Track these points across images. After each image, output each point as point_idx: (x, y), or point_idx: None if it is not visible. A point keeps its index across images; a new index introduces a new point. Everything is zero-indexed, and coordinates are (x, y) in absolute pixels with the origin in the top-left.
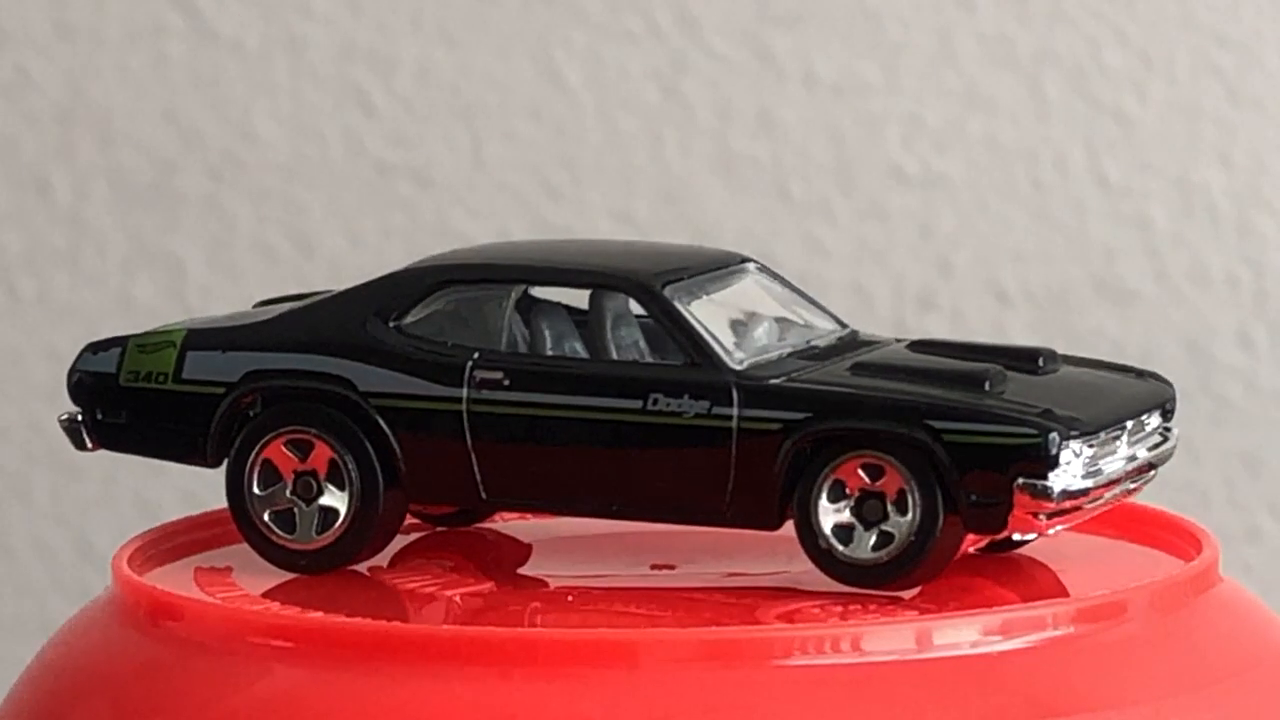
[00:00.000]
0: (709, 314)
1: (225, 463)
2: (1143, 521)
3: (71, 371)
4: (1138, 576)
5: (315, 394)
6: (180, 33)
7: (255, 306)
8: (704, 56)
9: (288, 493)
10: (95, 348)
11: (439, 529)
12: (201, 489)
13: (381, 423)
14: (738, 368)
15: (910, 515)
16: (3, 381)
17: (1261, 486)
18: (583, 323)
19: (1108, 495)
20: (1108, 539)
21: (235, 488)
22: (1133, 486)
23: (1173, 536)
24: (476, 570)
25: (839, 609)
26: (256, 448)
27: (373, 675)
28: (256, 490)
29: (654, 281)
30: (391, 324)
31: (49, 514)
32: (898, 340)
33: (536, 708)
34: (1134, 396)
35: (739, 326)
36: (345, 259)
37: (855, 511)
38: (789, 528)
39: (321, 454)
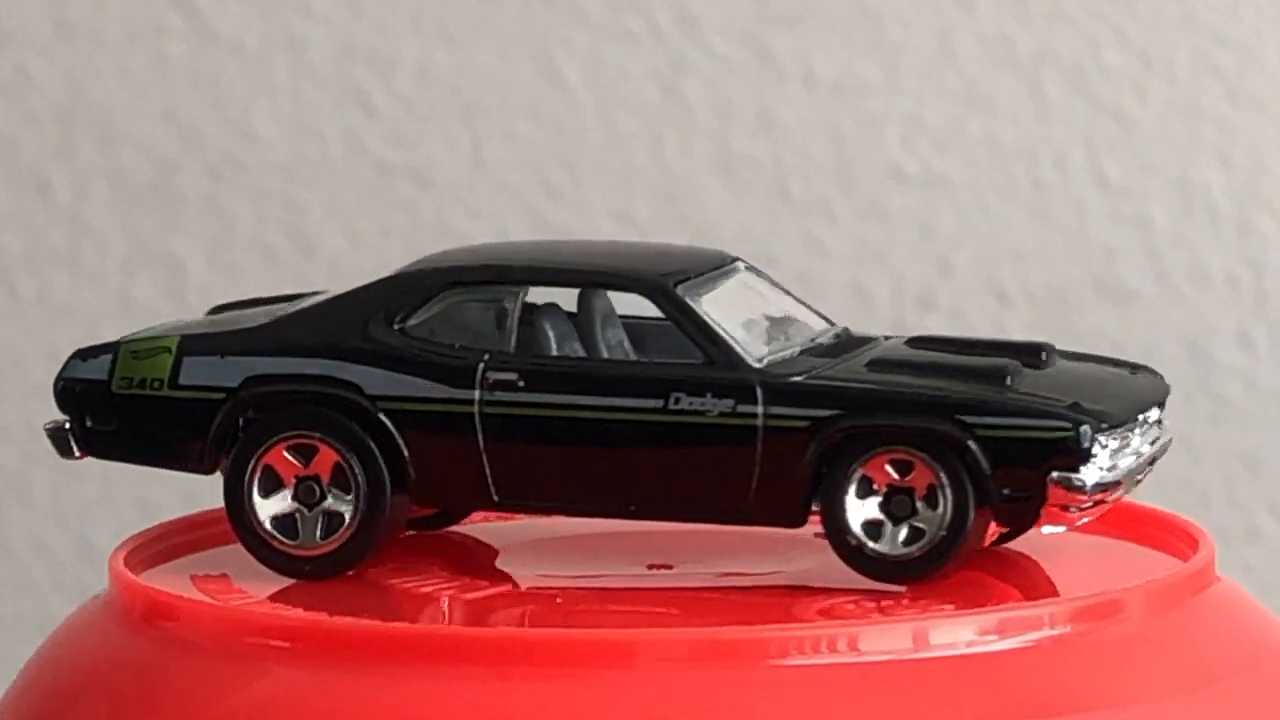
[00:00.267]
0: (720, 313)
1: (223, 469)
2: (1139, 521)
3: (59, 379)
4: (1134, 576)
5: (320, 398)
6: (180, 33)
7: (209, 313)
8: (704, 56)
9: (290, 498)
10: (84, 354)
11: (409, 532)
12: (201, 489)
13: (390, 426)
14: (759, 366)
15: (940, 510)
16: (3, 381)
17: (1261, 486)
18: (573, 323)
19: (1125, 488)
20: (1104, 538)
21: (234, 493)
22: (1139, 479)
23: (1169, 536)
24: (474, 570)
25: (836, 609)
26: (257, 453)
27: (371, 676)
28: (257, 496)
29: (667, 281)
30: (396, 326)
31: (49, 514)
32: (887, 337)
33: (535, 708)
34: (1141, 390)
35: (748, 325)
36: (345, 259)
37: (884, 507)
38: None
39: (325, 458)
